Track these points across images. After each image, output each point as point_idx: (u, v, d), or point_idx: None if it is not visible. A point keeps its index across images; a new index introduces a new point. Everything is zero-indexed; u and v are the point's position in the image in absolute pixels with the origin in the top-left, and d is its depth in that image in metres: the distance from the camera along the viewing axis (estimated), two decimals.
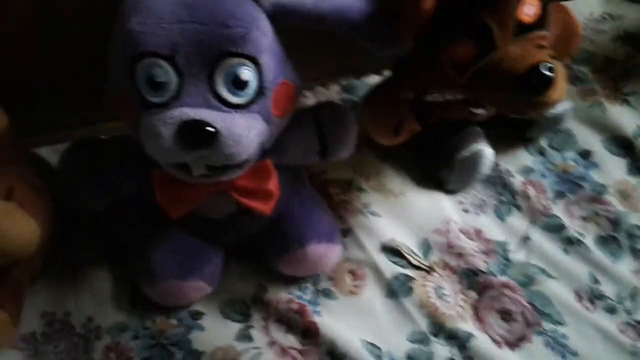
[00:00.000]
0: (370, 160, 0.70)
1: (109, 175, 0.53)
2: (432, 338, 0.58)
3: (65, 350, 0.56)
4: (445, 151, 0.65)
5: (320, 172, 0.68)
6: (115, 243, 0.61)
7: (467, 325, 0.59)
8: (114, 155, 0.54)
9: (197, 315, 0.58)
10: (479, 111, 0.63)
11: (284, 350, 0.57)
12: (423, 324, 0.59)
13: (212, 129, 0.42)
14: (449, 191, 0.68)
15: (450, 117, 0.63)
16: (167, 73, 0.43)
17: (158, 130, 0.42)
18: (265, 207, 0.52)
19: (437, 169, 0.67)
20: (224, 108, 0.44)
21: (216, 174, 0.46)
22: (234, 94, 0.44)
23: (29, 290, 0.57)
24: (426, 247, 0.64)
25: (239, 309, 0.59)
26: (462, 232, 0.65)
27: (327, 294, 0.61)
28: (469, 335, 0.58)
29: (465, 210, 0.68)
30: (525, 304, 0.61)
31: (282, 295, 0.59)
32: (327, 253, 0.57)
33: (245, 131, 0.43)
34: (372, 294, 0.61)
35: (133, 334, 0.57)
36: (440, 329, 0.59)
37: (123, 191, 0.55)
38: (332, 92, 0.76)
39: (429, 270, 0.62)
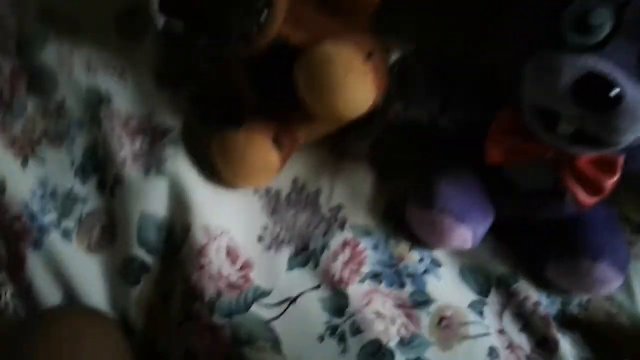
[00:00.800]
0: None
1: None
2: None
3: (304, 224, 0.53)
4: None
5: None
6: None
7: None
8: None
9: (437, 263, 0.53)
10: None
11: (512, 346, 0.50)
12: None
13: (619, 93, 0.36)
14: None
15: None
16: (604, 18, 0.37)
17: (559, 71, 0.37)
18: (589, 201, 0.45)
19: None
20: None
21: (579, 142, 0.40)
22: None
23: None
24: None
25: (481, 282, 0.53)
26: None
27: (574, 322, 0.52)
28: None
29: None
30: None
31: (532, 295, 0.52)
32: (613, 281, 0.49)
33: None
34: None
35: (374, 243, 0.52)
36: None
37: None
38: None
39: None
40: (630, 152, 0.43)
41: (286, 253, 0.51)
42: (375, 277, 0.51)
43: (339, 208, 0.54)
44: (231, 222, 0.51)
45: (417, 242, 0.53)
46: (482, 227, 0.51)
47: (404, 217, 0.53)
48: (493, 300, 0.52)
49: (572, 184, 0.45)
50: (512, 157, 0.46)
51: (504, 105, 0.45)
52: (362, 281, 0.50)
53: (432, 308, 0.50)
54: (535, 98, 0.40)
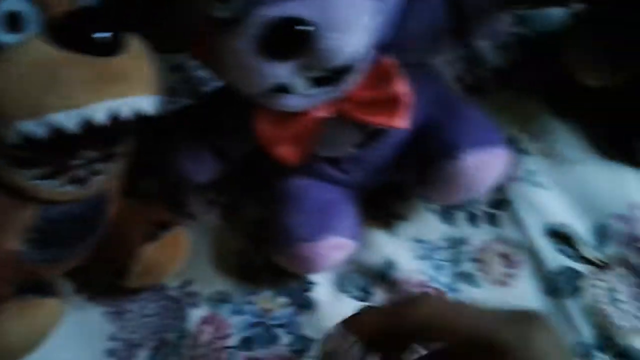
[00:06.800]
0: (540, 112, 0.55)
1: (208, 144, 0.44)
2: (597, 353, 0.47)
3: (154, 313, 0.48)
4: None
5: None
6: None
7: None
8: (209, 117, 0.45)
9: (307, 292, 0.49)
10: None
11: None
12: (587, 334, 0.48)
13: (304, 27, 0.32)
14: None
15: None
16: None
17: (235, 47, 0.33)
18: (395, 120, 0.39)
19: (636, 135, 0.52)
20: None
21: (325, 86, 0.36)
22: None
23: None
24: (602, 236, 0.51)
25: (361, 284, 0.49)
26: None
27: (469, 279, 0.49)
28: None
29: None
30: None
31: (414, 276, 0.49)
32: (490, 160, 0.43)
33: (346, 12, 0.33)
34: (527, 287, 0.49)
35: (234, 307, 0.48)
36: (608, 343, 0.47)
37: (230, 158, 0.46)
38: (502, 24, 0.59)
39: (602, 266, 0.50)
40: (395, 48, 0.39)
41: (143, 356, 0.46)
42: (247, 343, 0.47)
43: (186, 283, 0.49)
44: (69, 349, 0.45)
45: (279, 283, 0.49)
46: (348, 218, 0.46)
47: (256, 267, 0.48)
48: (377, 300, 0.49)
49: (366, 117, 0.40)
50: (303, 142, 0.41)
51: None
52: (232, 356, 0.46)
53: (314, 349, 0.46)
54: (247, 87, 0.36)
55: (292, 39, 0.32)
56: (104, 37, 0.32)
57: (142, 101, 0.34)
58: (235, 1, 0.32)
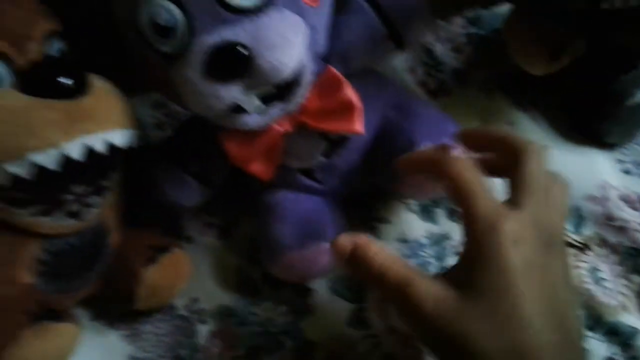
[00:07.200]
0: (502, 105, 0.57)
1: (189, 170, 0.47)
2: (588, 333, 0.48)
3: (167, 334, 0.51)
4: (612, 94, 0.51)
5: None
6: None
7: (630, 317, 0.49)
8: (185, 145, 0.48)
9: (304, 297, 0.51)
10: None
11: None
12: None
13: (242, 49, 0.35)
14: (605, 145, 0.55)
15: (629, 42, 0.48)
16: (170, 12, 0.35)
17: (185, 76, 0.36)
18: (352, 125, 0.41)
19: (596, 117, 0.54)
20: (241, 16, 0.35)
21: (275, 101, 0.39)
22: None
23: None
24: (578, 218, 0.53)
25: (354, 288, 0.51)
26: (623, 200, 0.53)
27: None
28: (634, 331, 0.48)
29: (627, 172, 0.55)
30: None
31: None
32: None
33: (279, 32, 0.35)
34: None
35: (240, 319, 0.51)
36: (597, 322, 0.49)
37: (213, 181, 0.49)
38: (456, 26, 0.63)
39: (582, 248, 0.51)
40: (338, 59, 0.42)
41: None
42: (256, 351, 0.50)
43: (193, 301, 0.52)
44: None
45: (280, 291, 0.52)
46: (332, 223, 0.49)
47: (255, 280, 0.52)
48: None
49: (323, 125, 0.42)
50: (271, 157, 0.44)
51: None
52: None
53: (317, 352, 0.49)
54: (205, 111, 0.39)
55: (234, 62, 0.35)
56: (69, 81, 0.36)
57: (112, 135, 0.38)
58: (176, 35, 0.36)
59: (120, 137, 0.39)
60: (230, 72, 0.36)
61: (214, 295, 0.52)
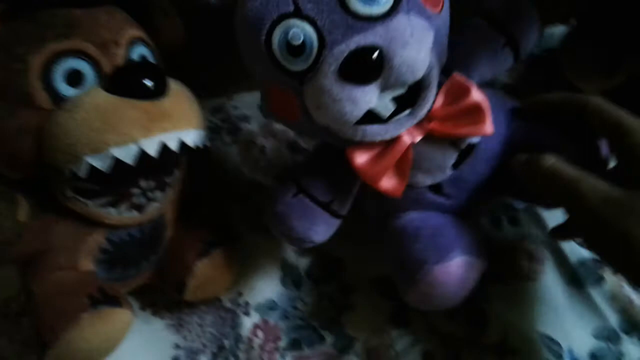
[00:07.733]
0: None
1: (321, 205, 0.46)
2: (624, 336, 0.50)
3: (211, 324, 0.53)
4: None
5: None
6: None
7: None
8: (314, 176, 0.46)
9: (348, 292, 0.53)
10: None
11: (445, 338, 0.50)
12: (613, 319, 0.50)
13: (375, 50, 0.35)
14: None
15: None
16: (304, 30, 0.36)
17: (321, 87, 0.36)
18: (482, 127, 0.41)
19: None
20: (372, 23, 0.36)
21: (407, 105, 0.39)
22: (369, 3, 0.36)
23: None
24: None
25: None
26: None
27: (496, 276, 0.52)
28: None
29: None
30: None
31: None
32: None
33: (409, 32, 0.36)
34: (552, 280, 0.52)
35: (282, 313, 0.53)
36: (635, 326, 0.50)
37: (342, 214, 0.47)
38: None
39: None
40: (461, 68, 0.43)
41: None
42: (295, 344, 0.51)
43: (238, 294, 0.54)
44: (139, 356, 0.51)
45: (323, 287, 0.53)
46: (466, 236, 0.45)
47: (300, 274, 0.53)
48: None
49: (453, 131, 0.42)
50: (401, 169, 0.42)
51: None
52: (283, 356, 0.50)
53: (357, 346, 0.51)
54: (340, 121, 0.39)
55: (369, 63, 0.36)
56: (150, 84, 0.38)
57: (185, 135, 0.40)
58: (307, 52, 0.37)
59: (192, 136, 0.41)
60: (366, 75, 0.36)
61: (258, 289, 0.54)
